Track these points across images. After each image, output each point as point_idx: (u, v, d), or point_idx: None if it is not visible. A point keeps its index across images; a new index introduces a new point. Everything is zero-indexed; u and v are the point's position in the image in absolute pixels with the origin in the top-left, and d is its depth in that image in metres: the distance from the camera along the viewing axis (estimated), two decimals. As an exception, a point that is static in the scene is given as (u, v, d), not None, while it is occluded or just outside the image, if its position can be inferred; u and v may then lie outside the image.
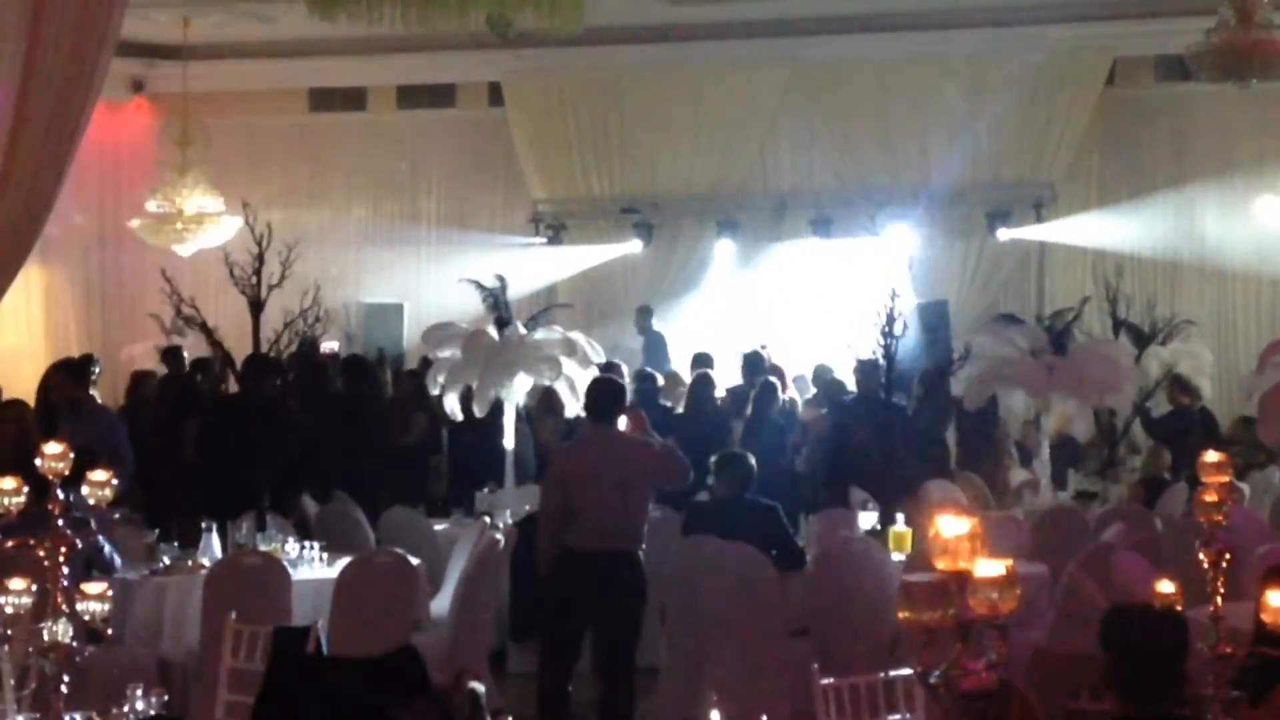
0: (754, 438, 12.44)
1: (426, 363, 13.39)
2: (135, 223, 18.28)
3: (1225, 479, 5.06)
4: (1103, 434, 13.13)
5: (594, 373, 12.34)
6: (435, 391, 12.52)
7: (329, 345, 14.91)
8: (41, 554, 5.04)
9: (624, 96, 18.88)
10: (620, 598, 8.47)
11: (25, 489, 5.23)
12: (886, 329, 10.46)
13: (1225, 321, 17.55)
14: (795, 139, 18.75)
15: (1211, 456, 5.08)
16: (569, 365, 12.06)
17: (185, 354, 15.77)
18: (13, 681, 5.18)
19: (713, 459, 9.59)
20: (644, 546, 8.64)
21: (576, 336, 12.66)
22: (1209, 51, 13.07)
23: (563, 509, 8.46)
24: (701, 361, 14.62)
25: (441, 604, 9.51)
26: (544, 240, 18.94)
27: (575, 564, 8.42)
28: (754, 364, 14.76)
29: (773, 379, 13.77)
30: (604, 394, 8.85)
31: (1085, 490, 12.33)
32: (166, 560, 9.19)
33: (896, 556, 9.27)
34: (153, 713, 4.83)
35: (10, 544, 5.19)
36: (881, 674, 5.81)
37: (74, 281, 19.65)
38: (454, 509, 11.93)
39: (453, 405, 12.42)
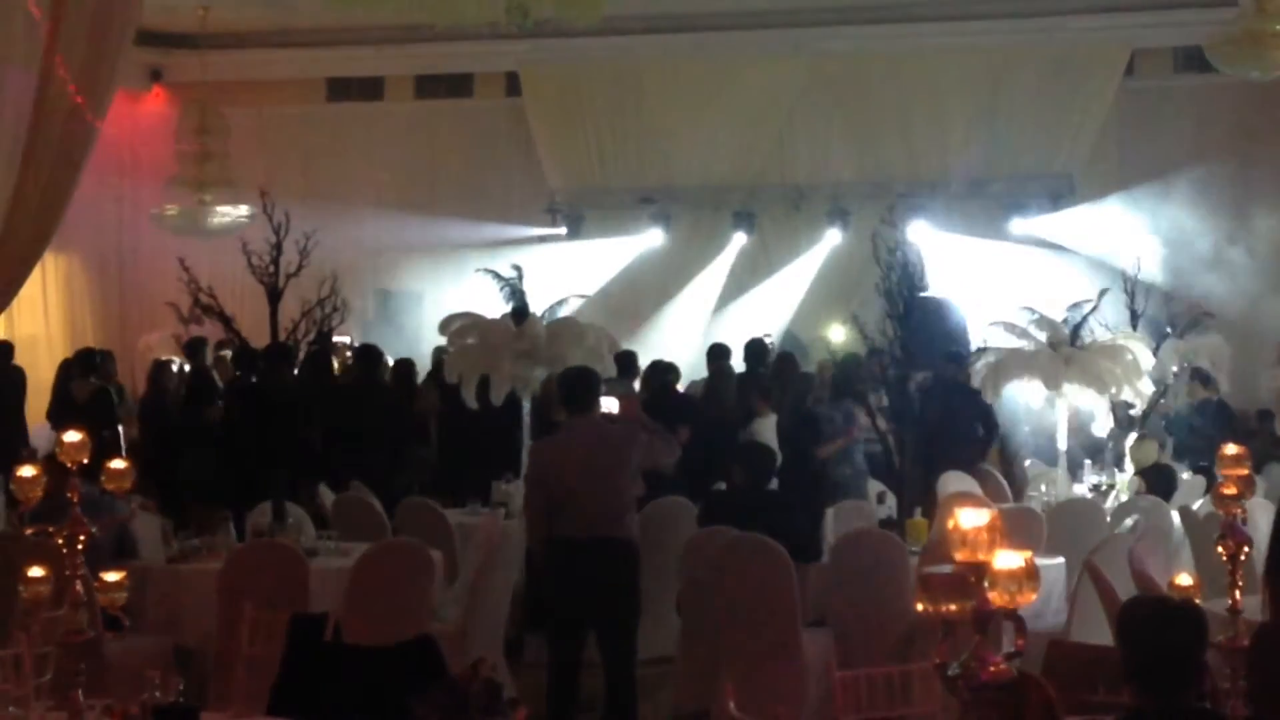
0: (787, 427, 12.41)
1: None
2: (153, 211, 18.33)
3: (1244, 472, 5.04)
4: (1119, 427, 13.08)
5: (610, 362, 12.36)
6: (453, 381, 12.53)
7: (341, 338, 14.93)
8: (60, 542, 5.05)
9: (642, 86, 18.87)
10: (613, 584, 8.46)
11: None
12: (903, 320, 10.41)
13: (1244, 314, 17.48)
14: (813, 130, 18.73)
15: (1231, 449, 5.06)
16: (586, 355, 12.05)
17: (209, 345, 15.85)
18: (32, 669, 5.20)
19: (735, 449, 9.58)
20: (635, 531, 8.62)
21: (593, 326, 12.65)
22: (1229, 42, 13.03)
23: (545, 502, 8.45)
24: (719, 352, 14.60)
25: (457, 594, 9.52)
26: (561, 230, 18.95)
27: (565, 554, 8.42)
28: (757, 352, 14.72)
29: (809, 372, 13.68)
30: (576, 383, 8.82)
31: (1101, 483, 12.29)
32: (184, 549, 9.22)
33: (913, 548, 9.26)
34: (170, 700, 4.83)
35: (29, 532, 5.21)
36: (899, 665, 5.80)
37: (91, 270, 19.69)
38: (470, 499, 11.94)
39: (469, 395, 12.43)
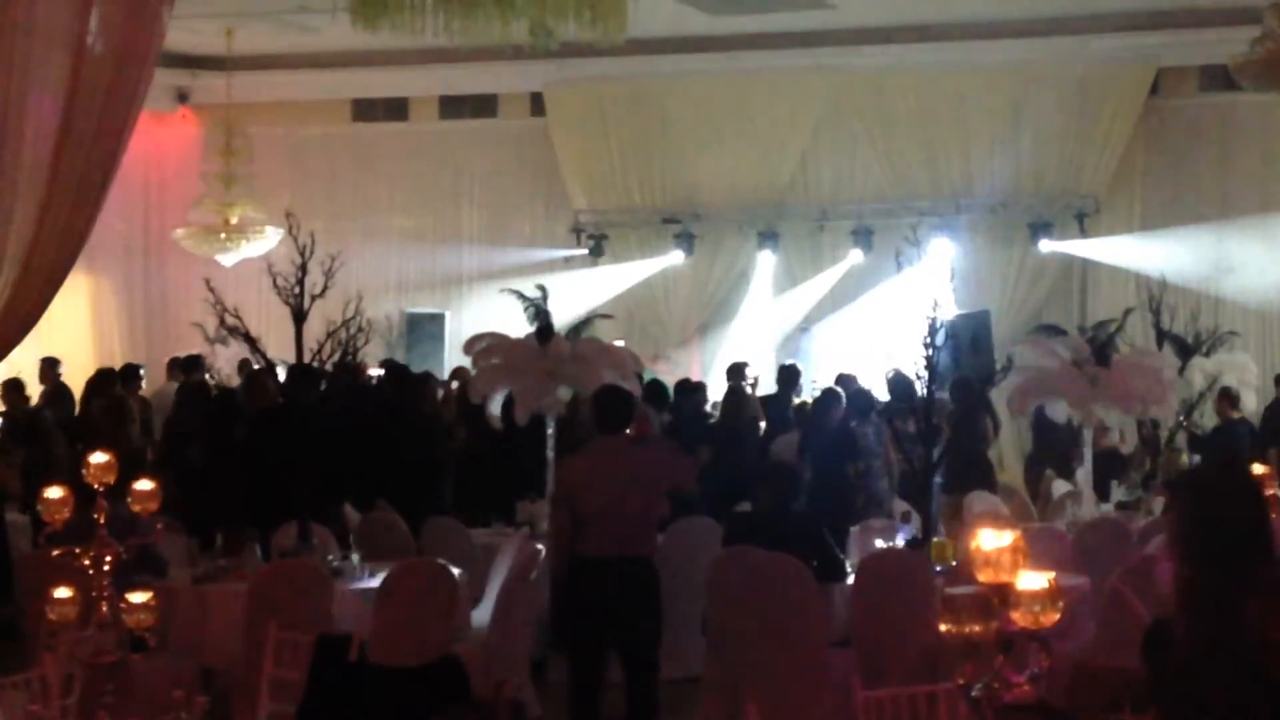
0: (814, 446, 12.40)
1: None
2: (179, 232, 18.42)
3: (1272, 491, 5.03)
4: (1145, 445, 13.04)
5: (635, 383, 12.36)
6: (476, 402, 12.54)
7: (374, 372, 14.94)
8: (87, 563, 5.07)
9: (666, 107, 18.90)
10: (635, 604, 8.45)
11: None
12: (928, 339, 10.39)
13: (1269, 332, 17.43)
14: (837, 150, 18.74)
15: (1257, 469, 5.05)
16: (610, 376, 12.04)
17: (205, 362, 15.93)
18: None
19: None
20: (657, 551, 8.63)
21: (618, 346, 12.65)
22: (1254, 61, 13.02)
23: (571, 520, 8.45)
24: (737, 372, 14.60)
25: (482, 614, 9.52)
26: (585, 251, 18.97)
27: (588, 573, 8.41)
28: (790, 377, 14.70)
29: (835, 387, 13.65)
30: (609, 404, 8.83)
31: (1127, 502, 12.25)
32: (209, 569, 9.23)
33: (938, 568, 9.23)
34: (196, 721, 4.85)
35: (56, 553, 5.23)
36: (923, 686, 5.78)
37: (118, 290, 19.79)
38: (495, 519, 11.94)
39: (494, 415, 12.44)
